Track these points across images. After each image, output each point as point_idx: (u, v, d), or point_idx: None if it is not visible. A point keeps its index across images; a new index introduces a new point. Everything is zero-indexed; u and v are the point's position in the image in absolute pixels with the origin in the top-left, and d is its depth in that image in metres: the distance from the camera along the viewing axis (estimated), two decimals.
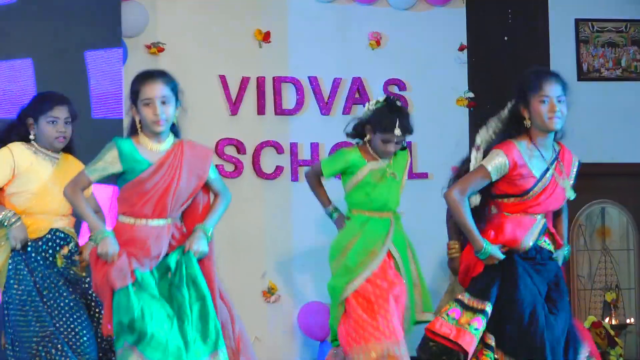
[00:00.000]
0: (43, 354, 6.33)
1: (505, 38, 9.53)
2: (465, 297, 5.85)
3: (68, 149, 6.62)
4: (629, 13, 10.10)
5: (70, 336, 6.49)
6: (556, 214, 6.00)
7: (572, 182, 5.86)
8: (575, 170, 5.88)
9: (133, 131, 5.40)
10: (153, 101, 5.19)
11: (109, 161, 5.25)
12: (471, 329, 5.67)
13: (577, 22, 9.89)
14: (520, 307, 5.69)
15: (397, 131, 6.74)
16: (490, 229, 5.77)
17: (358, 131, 6.98)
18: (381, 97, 7.18)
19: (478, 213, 5.87)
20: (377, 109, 6.96)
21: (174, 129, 5.45)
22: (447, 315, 5.85)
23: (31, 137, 6.42)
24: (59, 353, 6.31)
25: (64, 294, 6.40)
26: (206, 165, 5.50)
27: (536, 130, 5.61)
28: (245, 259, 8.97)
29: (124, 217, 5.41)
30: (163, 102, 5.20)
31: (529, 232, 5.74)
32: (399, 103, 7.17)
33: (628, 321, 9.93)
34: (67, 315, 6.43)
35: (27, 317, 6.39)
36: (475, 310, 5.75)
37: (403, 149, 7.10)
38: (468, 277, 6.01)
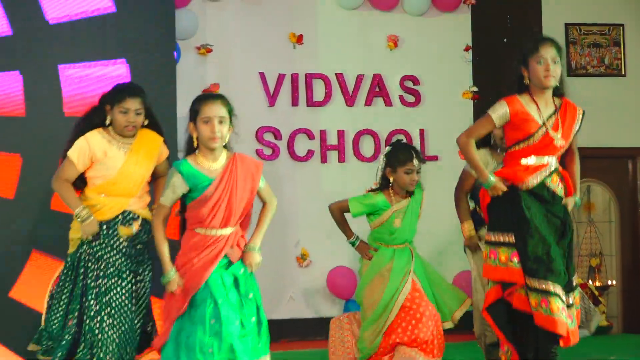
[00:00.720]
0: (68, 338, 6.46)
1: (505, 40, 9.85)
2: (491, 235, 5.94)
3: (152, 126, 6.65)
4: (611, 18, 10.46)
5: (109, 325, 6.53)
6: (569, 165, 5.95)
7: (578, 128, 5.85)
8: (580, 118, 5.85)
9: (189, 148, 5.48)
10: (211, 120, 5.28)
11: (177, 185, 5.35)
12: (515, 264, 5.73)
13: (567, 26, 10.25)
14: (529, 232, 5.73)
15: (415, 161, 6.83)
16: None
17: (384, 180, 6.93)
18: (388, 147, 7.27)
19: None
20: (391, 151, 7.03)
21: (226, 146, 5.54)
22: (491, 259, 5.92)
23: (107, 122, 6.44)
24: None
25: (122, 284, 6.51)
26: (257, 176, 5.54)
27: (535, 88, 5.70)
28: (281, 230, 9.16)
29: (197, 230, 5.47)
30: (220, 122, 5.29)
31: (535, 172, 5.79)
32: (405, 141, 7.58)
33: (610, 283, 10.28)
34: (117, 306, 6.48)
35: (59, 308, 6.53)
36: (507, 245, 5.82)
37: (419, 187, 7.22)
38: (484, 211, 6.18)
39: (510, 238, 5.73)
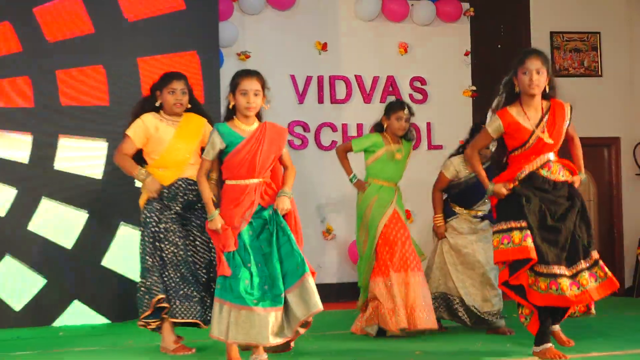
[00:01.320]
0: (165, 279, 6.78)
1: (499, 46, 10.19)
2: (502, 224, 5.99)
3: (196, 110, 7.01)
4: (590, 27, 10.74)
5: (182, 267, 6.83)
6: (571, 150, 6.22)
7: (568, 122, 6.01)
8: (569, 113, 6.00)
9: (228, 114, 5.82)
10: (248, 92, 5.60)
11: (216, 142, 5.69)
12: (529, 243, 5.77)
13: (552, 33, 10.57)
14: (528, 217, 5.83)
15: (405, 111, 7.35)
16: (499, 176, 6.08)
17: (379, 125, 7.54)
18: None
19: (499, 167, 6.17)
20: (388, 104, 7.67)
21: (258, 115, 5.80)
22: (503, 244, 5.97)
23: (157, 104, 6.83)
24: (177, 279, 6.77)
25: (180, 234, 6.78)
26: (283, 140, 5.84)
27: (524, 95, 5.86)
28: (310, 209, 9.69)
29: (228, 181, 5.79)
30: (255, 94, 5.62)
31: (527, 165, 5.92)
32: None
33: None
34: (182, 252, 6.78)
35: (154, 252, 6.80)
36: (520, 229, 5.88)
37: (409, 141, 7.64)
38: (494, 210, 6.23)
39: (523, 223, 5.83)
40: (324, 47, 9.99)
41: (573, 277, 5.78)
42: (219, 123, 5.81)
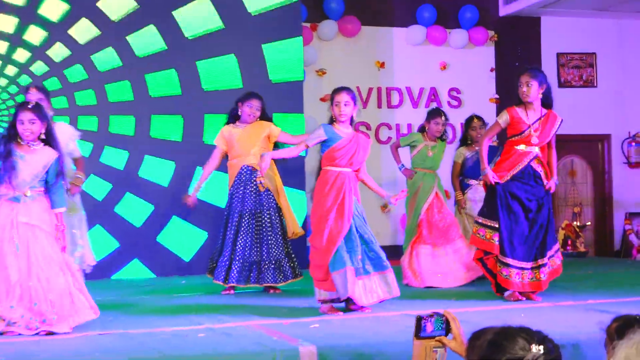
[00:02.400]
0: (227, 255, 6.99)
1: (517, 64, 10.39)
2: (480, 218, 6.36)
3: (263, 118, 7.21)
4: (587, 48, 11.17)
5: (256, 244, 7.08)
6: (546, 155, 6.28)
7: (555, 130, 6.22)
8: (557, 125, 6.22)
9: (330, 120, 5.91)
10: (339, 104, 5.77)
11: (320, 134, 5.79)
12: (494, 241, 6.09)
13: (558, 54, 11.01)
14: (498, 216, 6.15)
15: (442, 117, 7.68)
16: (499, 159, 6.39)
17: (421, 128, 7.82)
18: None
19: (498, 153, 6.53)
20: (429, 111, 7.92)
21: (351, 121, 5.89)
22: (479, 235, 6.26)
23: (239, 113, 7.11)
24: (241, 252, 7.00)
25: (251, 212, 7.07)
26: (368, 147, 6.00)
27: (525, 102, 6.11)
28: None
29: (329, 168, 5.82)
30: (346, 105, 5.76)
31: (523, 159, 6.12)
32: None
33: (587, 223, 10.89)
34: (253, 229, 7.05)
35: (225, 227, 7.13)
36: (491, 228, 6.17)
37: (443, 140, 7.84)
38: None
39: (495, 224, 6.16)
40: (382, 65, 10.34)
41: (533, 269, 6.14)
42: (325, 124, 5.91)
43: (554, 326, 4.43)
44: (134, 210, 9.05)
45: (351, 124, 5.95)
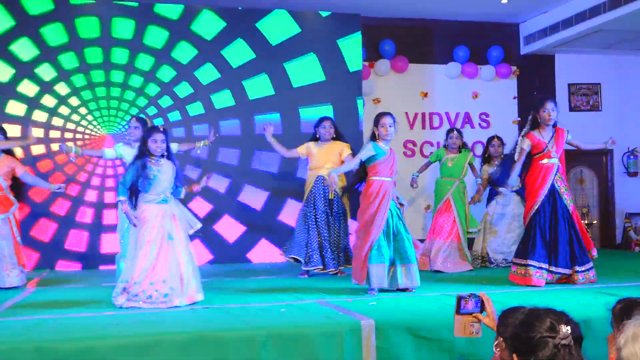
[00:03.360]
0: (305, 254, 6.92)
1: (535, 93, 10.25)
2: (517, 259, 6.05)
3: (337, 135, 7.18)
4: (594, 79, 10.94)
5: (330, 241, 7.05)
6: (580, 147, 6.34)
7: (567, 139, 6.08)
8: (567, 137, 6.08)
9: (372, 137, 5.82)
10: (386, 125, 5.73)
11: (369, 149, 5.70)
12: (532, 275, 5.81)
13: (569, 84, 10.83)
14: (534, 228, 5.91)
15: (455, 133, 7.68)
16: (528, 173, 6.11)
17: (444, 144, 7.79)
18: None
19: (525, 168, 6.17)
20: (446, 131, 7.94)
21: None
22: (514, 271, 6.00)
23: (317, 135, 7.21)
24: (318, 254, 6.93)
25: (325, 217, 7.03)
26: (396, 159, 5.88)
27: (542, 124, 6.01)
28: (417, 193, 9.74)
29: (374, 178, 5.75)
30: (390, 126, 5.73)
31: (548, 179, 5.91)
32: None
33: (593, 222, 10.70)
34: (325, 231, 7.02)
35: (303, 226, 7.10)
36: (526, 265, 5.89)
37: (467, 149, 7.78)
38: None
39: (529, 262, 5.92)
40: (425, 94, 10.24)
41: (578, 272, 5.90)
42: (373, 142, 5.80)
43: (569, 305, 4.43)
44: (251, 198, 9.02)
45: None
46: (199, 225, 5.72)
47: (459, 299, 2.94)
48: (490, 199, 8.07)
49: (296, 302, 5.17)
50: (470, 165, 7.82)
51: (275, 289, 6.09)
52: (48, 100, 8.50)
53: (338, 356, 3.97)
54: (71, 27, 8.51)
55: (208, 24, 8.90)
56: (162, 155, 5.37)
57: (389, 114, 5.89)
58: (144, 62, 8.73)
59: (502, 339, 2.38)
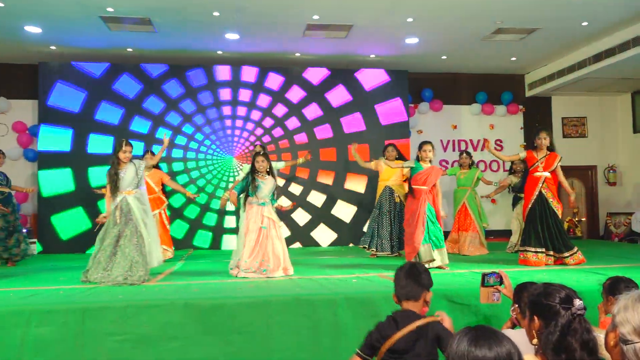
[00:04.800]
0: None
1: (537, 124, 9.82)
2: (522, 245, 5.75)
3: (400, 155, 6.95)
4: (581, 114, 10.42)
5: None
6: (559, 179, 5.80)
7: (556, 164, 5.72)
8: (558, 160, 5.77)
9: (417, 158, 5.70)
10: (426, 151, 5.59)
11: (411, 163, 5.63)
12: (530, 258, 5.57)
13: (562, 118, 10.37)
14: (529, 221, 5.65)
15: (464, 155, 7.48)
16: (526, 183, 5.81)
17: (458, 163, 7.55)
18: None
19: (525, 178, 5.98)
20: (460, 152, 7.59)
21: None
22: (522, 257, 5.67)
23: (385, 155, 6.94)
24: None
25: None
26: (439, 174, 5.65)
27: (538, 147, 5.78)
28: (445, 199, 9.25)
29: (415, 186, 5.57)
30: (429, 151, 5.60)
31: (536, 187, 5.63)
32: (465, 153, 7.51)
33: (582, 219, 10.26)
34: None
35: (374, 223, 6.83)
36: (534, 252, 5.62)
37: (475, 167, 7.49)
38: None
39: (534, 248, 5.65)
40: (455, 126, 10.01)
41: (559, 257, 5.62)
42: (415, 161, 5.70)
43: (565, 281, 4.12)
44: (343, 212, 8.78)
45: (430, 161, 5.72)
46: (281, 224, 5.66)
47: (483, 275, 2.91)
48: (515, 202, 7.62)
49: (363, 275, 5.10)
50: (480, 178, 7.51)
51: (348, 265, 6.03)
52: (187, 128, 8.64)
53: None
54: (209, 72, 8.70)
55: (315, 74, 8.93)
56: (267, 172, 5.34)
57: (429, 142, 5.76)
58: (263, 100, 8.76)
59: (517, 305, 2.35)
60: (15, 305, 3.65)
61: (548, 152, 5.78)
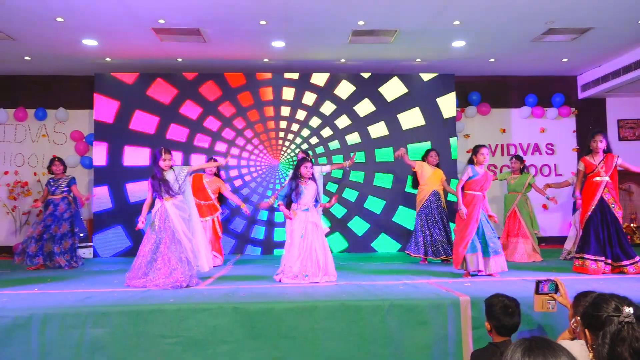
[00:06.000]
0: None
1: (590, 127, 9.51)
2: (578, 253, 5.55)
3: (438, 166, 6.90)
4: (638, 116, 10.07)
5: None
6: (632, 169, 5.62)
7: (615, 164, 5.55)
8: (615, 160, 5.58)
9: (470, 162, 5.46)
10: (484, 155, 5.42)
11: (469, 172, 5.42)
12: (589, 266, 5.40)
13: (618, 120, 10.06)
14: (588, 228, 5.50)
15: (514, 159, 7.26)
16: (583, 188, 5.67)
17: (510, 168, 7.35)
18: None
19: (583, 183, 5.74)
20: (510, 157, 7.48)
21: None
22: (577, 264, 5.50)
23: (428, 158, 6.86)
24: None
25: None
26: (491, 180, 5.51)
27: (593, 151, 5.62)
28: (494, 204, 9.19)
29: (468, 192, 5.46)
30: (487, 154, 5.44)
31: (597, 192, 5.50)
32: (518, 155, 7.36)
33: None
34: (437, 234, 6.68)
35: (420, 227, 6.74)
36: (585, 259, 5.49)
37: (526, 173, 7.25)
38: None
39: (588, 255, 5.49)
40: (504, 130, 9.84)
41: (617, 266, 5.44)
42: (471, 165, 5.51)
43: (627, 291, 3.95)
44: (373, 205, 8.75)
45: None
46: (327, 229, 5.65)
47: (538, 282, 2.83)
48: (575, 207, 7.37)
49: (410, 282, 5.03)
50: (532, 184, 7.28)
51: (394, 271, 5.98)
52: (240, 142, 8.74)
53: (442, 322, 3.84)
54: (255, 93, 8.79)
55: (345, 88, 8.91)
56: (310, 178, 5.35)
57: (486, 146, 5.62)
58: (301, 114, 8.82)
59: (578, 317, 2.27)
60: (73, 307, 3.77)
61: (604, 155, 5.63)
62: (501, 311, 2.85)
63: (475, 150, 5.60)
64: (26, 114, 9.12)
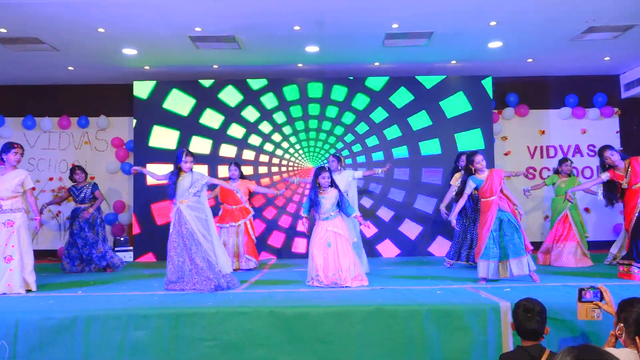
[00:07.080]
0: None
1: (634, 127, 9.53)
2: (625, 259, 5.41)
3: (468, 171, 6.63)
4: None
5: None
6: None
7: None
8: None
9: (468, 171, 5.57)
10: (480, 162, 5.38)
11: (472, 185, 5.40)
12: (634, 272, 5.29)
13: None
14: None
15: (568, 162, 7.07)
16: (625, 195, 5.53)
17: (556, 169, 7.23)
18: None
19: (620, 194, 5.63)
20: (559, 160, 7.26)
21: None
22: (623, 271, 5.40)
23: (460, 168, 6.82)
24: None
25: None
26: (500, 174, 5.38)
27: (612, 166, 5.61)
28: (534, 204, 9.28)
29: (483, 199, 5.39)
30: (483, 160, 5.40)
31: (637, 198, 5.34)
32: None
33: None
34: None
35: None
36: (629, 265, 5.37)
37: (574, 176, 7.19)
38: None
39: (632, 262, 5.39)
40: (543, 132, 9.61)
41: None
42: (471, 176, 5.48)
43: None
44: (424, 204, 8.72)
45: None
46: (355, 239, 5.62)
47: (580, 290, 2.75)
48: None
49: (448, 287, 4.98)
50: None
51: (431, 276, 5.92)
52: (269, 147, 8.74)
53: (482, 328, 3.81)
54: (280, 94, 8.82)
55: (376, 81, 8.89)
56: (330, 185, 5.33)
57: (477, 152, 5.51)
58: (332, 111, 8.80)
59: (623, 324, 2.18)
60: (115, 310, 3.86)
61: (625, 162, 5.57)
62: (522, 314, 2.92)
63: (469, 160, 5.49)
64: (69, 122, 9.40)
